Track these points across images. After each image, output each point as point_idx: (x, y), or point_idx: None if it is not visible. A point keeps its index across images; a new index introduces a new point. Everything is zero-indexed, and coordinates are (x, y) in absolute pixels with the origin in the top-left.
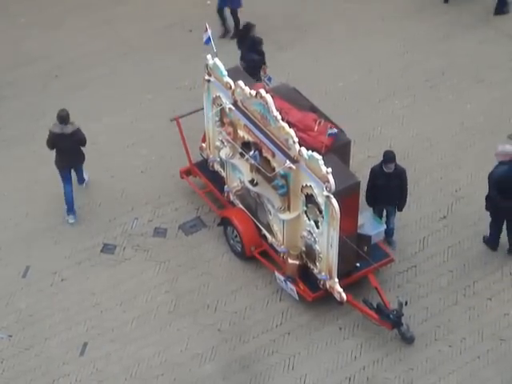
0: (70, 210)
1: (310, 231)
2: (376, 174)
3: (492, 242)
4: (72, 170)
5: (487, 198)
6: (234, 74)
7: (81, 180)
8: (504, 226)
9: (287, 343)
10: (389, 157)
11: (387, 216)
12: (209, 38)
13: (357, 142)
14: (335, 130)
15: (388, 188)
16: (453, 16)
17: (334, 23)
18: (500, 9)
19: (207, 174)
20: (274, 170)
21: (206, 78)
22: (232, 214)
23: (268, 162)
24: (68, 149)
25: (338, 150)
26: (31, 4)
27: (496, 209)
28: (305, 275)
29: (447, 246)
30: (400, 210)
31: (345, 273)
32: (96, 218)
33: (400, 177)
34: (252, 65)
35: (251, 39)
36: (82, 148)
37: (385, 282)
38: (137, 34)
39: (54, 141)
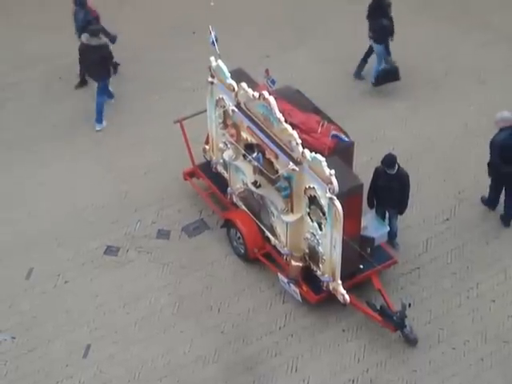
0: (98, 119)
1: (313, 233)
2: (378, 174)
3: (491, 202)
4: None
5: (489, 164)
6: (237, 75)
7: (110, 96)
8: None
9: (290, 345)
10: (388, 162)
11: (389, 218)
12: (213, 39)
13: (360, 143)
14: (344, 138)
15: (389, 190)
16: (455, 18)
17: (337, 25)
18: None
19: (210, 175)
20: (277, 171)
21: (210, 79)
22: (235, 216)
23: (271, 163)
24: (92, 61)
25: (341, 152)
26: (33, 5)
27: (498, 174)
28: (308, 277)
29: (450, 248)
30: (401, 213)
31: (348, 275)
32: (99, 219)
33: (402, 180)
34: (382, 31)
35: (381, 7)
36: (109, 64)
37: (388, 283)
38: (140, 35)
39: (81, 51)
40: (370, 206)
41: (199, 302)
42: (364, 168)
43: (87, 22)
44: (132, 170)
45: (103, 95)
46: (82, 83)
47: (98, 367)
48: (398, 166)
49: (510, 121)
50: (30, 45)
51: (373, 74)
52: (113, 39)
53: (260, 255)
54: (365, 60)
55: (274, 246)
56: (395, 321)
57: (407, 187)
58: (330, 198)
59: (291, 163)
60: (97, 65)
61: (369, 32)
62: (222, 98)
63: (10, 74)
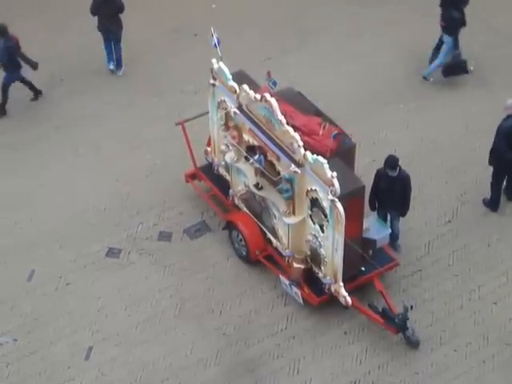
0: (110, 58)
1: (314, 235)
2: (380, 176)
3: (493, 203)
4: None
5: (492, 151)
6: (238, 77)
7: (119, 64)
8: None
9: (292, 347)
10: (390, 163)
11: (391, 220)
12: (215, 42)
13: (362, 145)
14: (336, 132)
15: (391, 192)
16: None
17: (338, 27)
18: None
19: (212, 177)
20: (278, 173)
21: (211, 82)
22: (237, 218)
23: (273, 165)
24: (107, 15)
25: (342, 154)
26: (36, 8)
27: (501, 162)
28: (310, 279)
29: (452, 250)
30: (403, 215)
31: (350, 277)
32: (101, 222)
33: (403, 182)
34: (452, 22)
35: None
36: (120, 16)
37: (390, 286)
38: (142, 37)
39: (97, 6)
40: (372, 208)
41: (201, 304)
42: (366, 170)
43: (8, 48)
44: (134, 172)
45: (120, 43)
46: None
47: (100, 369)
48: (400, 168)
49: None
50: (32, 47)
51: (431, 66)
52: (34, 66)
53: (262, 257)
54: (437, 50)
55: (276, 248)
56: (397, 323)
57: (408, 189)
58: (332, 200)
59: (293, 165)
60: (114, 16)
61: (440, 21)
62: (224, 100)
63: None
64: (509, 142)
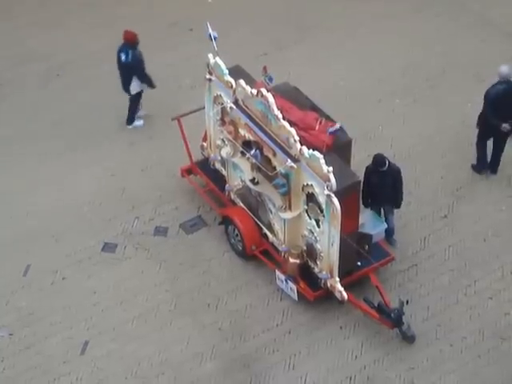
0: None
1: (310, 230)
2: (370, 172)
3: (479, 166)
4: None
5: (480, 115)
6: (235, 72)
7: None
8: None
9: (288, 342)
10: (378, 162)
11: (385, 215)
12: (213, 36)
13: (358, 141)
14: (337, 127)
15: (382, 186)
16: (453, 15)
17: (335, 22)
18: None
19: (208, 172)
20: (274, 168)
21: (207, 76)
22: (233, 213)
23: (269, 160)
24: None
25: (339, 149)
26: (34, 3)
27: (486, 125)
28: (306, 274)
29: (448, 245)
30: (397, 207)
31: (346, 272)
32: (97, 216)
33: (394, 175)
34: None
35: None
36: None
37: (386, 280)
38: (138, 32)
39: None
40: (365, 204)
41: (196, 298)
42: (362, 165)
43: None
44: (129, 166)
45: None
46: None
47: (96, 364)
48: (389, 161)
49: (507, 76)
50: (30, 42)
51: None
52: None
53: (257, 252)
54: None
55: (272, 243)
56: (393, 318)
57: (400, 182)
58: (328, 195)
59: (289, 160)
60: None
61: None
62: (220, 95)
63: (9, 71)
64: (496, 107)
